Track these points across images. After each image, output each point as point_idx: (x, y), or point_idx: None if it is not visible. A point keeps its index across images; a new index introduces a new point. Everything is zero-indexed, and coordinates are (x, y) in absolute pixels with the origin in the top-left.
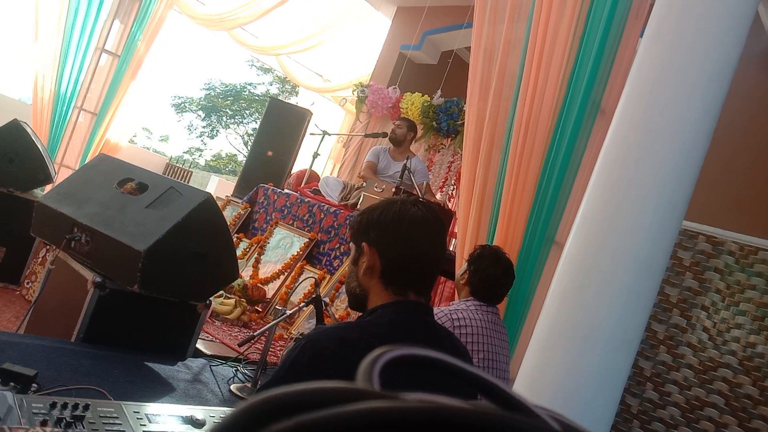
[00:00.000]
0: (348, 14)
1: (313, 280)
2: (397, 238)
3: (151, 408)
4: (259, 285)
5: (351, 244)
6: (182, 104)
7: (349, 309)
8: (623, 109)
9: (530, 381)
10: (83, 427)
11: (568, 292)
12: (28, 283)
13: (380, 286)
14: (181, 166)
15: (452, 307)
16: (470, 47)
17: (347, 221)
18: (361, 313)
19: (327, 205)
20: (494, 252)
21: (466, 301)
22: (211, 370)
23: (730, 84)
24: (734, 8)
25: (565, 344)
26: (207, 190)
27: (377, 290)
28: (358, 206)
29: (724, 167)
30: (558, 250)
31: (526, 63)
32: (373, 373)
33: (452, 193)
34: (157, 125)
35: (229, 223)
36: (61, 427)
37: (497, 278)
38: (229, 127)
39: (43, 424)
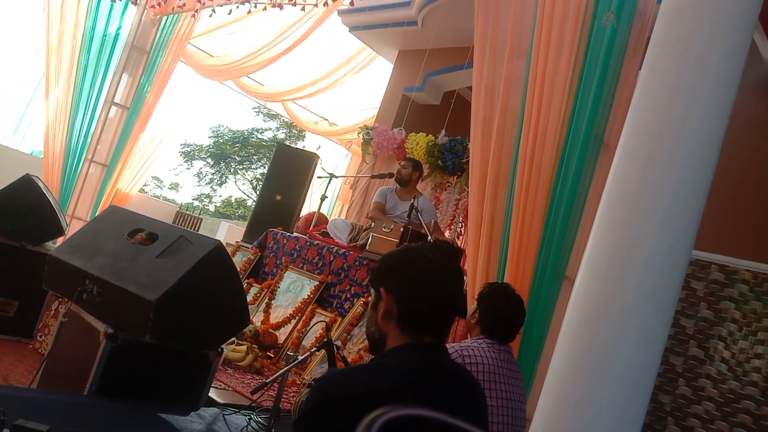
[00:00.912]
0: (351, 60)
1: (324, 323)
2: (413, 284)
3: None
4: (270, 330)
5: (371, 289)
6: (191, 152)
7: (361, 352)
8: (625, 143)
9: (547, 420)
10: None
11: (581, 329)
12: (41, 336)
13: (397, 330)
14: (191, 213)
15: (464, 344)
16: (472, 86)
17: (357, 263)
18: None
19: (336, 247)
20: (503, 288)
21: (478, 339)
22: (224, 419)
23: (731, 113)
24: (731, 38)
25: (581, 381)
26: (217, 236)
27: (394, 334)
28: (367, 247)
29: (732, 195)
30: (569, 285)
31: (527, 100)
32: None
33: (461, 231)
34: (166, 174)
35: (239, 269)
36: None
37: (508, 315)
38: (237, 173)
39: None
